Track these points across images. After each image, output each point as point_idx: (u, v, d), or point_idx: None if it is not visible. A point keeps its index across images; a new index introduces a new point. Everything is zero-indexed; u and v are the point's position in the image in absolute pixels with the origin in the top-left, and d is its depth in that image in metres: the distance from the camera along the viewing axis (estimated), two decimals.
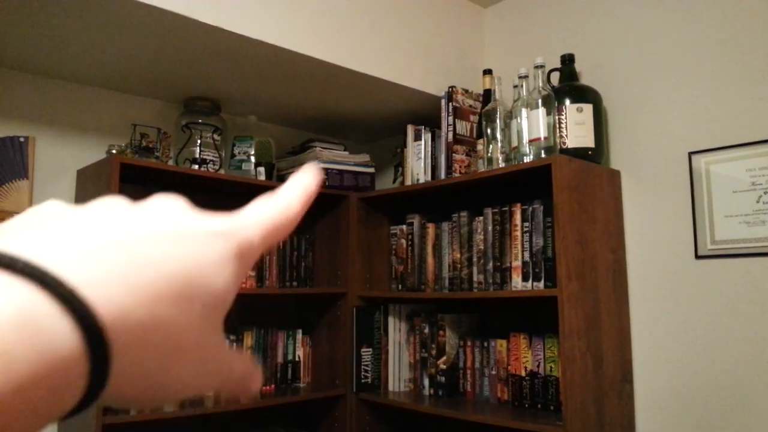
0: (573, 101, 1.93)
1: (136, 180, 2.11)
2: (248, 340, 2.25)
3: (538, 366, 1.92)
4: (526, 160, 1.90)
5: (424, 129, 2.31)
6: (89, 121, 2.17)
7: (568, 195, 1.74)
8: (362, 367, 2.29)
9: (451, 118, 2.22)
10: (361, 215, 2.42)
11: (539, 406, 1.90)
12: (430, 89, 2.26)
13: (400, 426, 2.38)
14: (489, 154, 2.05)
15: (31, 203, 2.00)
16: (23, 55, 1.91)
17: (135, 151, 2.11)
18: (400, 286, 2.34)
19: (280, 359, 2.32)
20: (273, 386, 2.28)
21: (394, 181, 2.64)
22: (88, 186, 2.02)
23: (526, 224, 1.92)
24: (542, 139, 1.88)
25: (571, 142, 1.91)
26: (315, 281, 2.47)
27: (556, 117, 1.92)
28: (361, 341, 2.31)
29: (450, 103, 2.22)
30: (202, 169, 2.14)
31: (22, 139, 2.02)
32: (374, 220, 2.46)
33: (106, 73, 2.06)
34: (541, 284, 1.85)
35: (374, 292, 2.37)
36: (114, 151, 2.02)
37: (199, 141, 2.18)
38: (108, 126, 2.21)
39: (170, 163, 2.19)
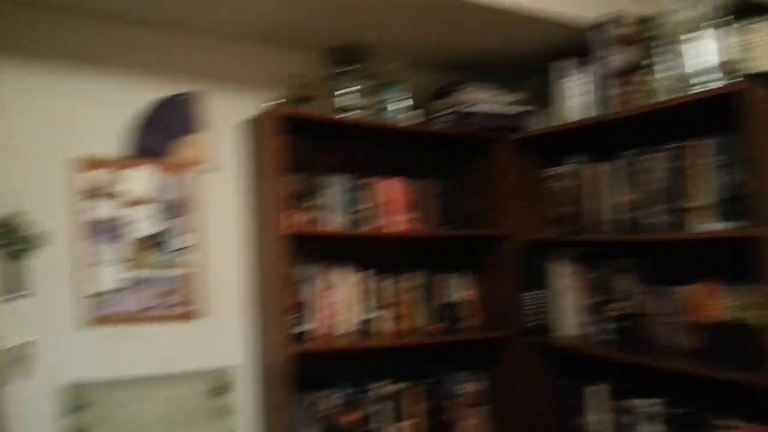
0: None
1: (293, 131, 2.23)
2: (414, 281, 2.32)
3: (730, 313, 1.75)
4: (701, 89, 1.68)
5: (578, 62, 2.14)
6: (251, 75, 2.30)
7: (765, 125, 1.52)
8: (528, 310, 2.26)
9: (607, 49, 2.03)
10: (516, 157, 2.34)
11: (731, 356, 1.74)
12: (581, 18, 2.08)
13: (568, 370, 2.34)
14: (655, 85, 1.84)
15: (202, 157, 2.20)
16: (187, 14, 2.05)
17: (293, 102, 2.21)
18: (562, 229, 2.25)
19: (446, 300, 2.37)
20: (441, 326, 2.35)
21: (545, 121, 2.51)
22: (253, 138, 2.16)
23: (710, 160, 1.72)
24: (721, 63, 1.65)
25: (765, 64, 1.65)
26: (474, 224, 2.46)
27: (741, 37, 1.66)
28: (526, 285, 2.27)
29: (606, 32, 2.02)
30: (352, 116, 2.18)
31: (191, 96, 2.20)
32: (529, 162, 2.37)
33: (262, 27, 2.15)
34: (732, 224, 1.66)
35: (537, 234, 2.31)
36: (274, 103, 2.13)
37: (348, 89, 2.23)
38: (269, 78, 2.33)
39: (325, 112, 2.27)
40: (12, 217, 1.92)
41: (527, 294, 2.27)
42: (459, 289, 2.41)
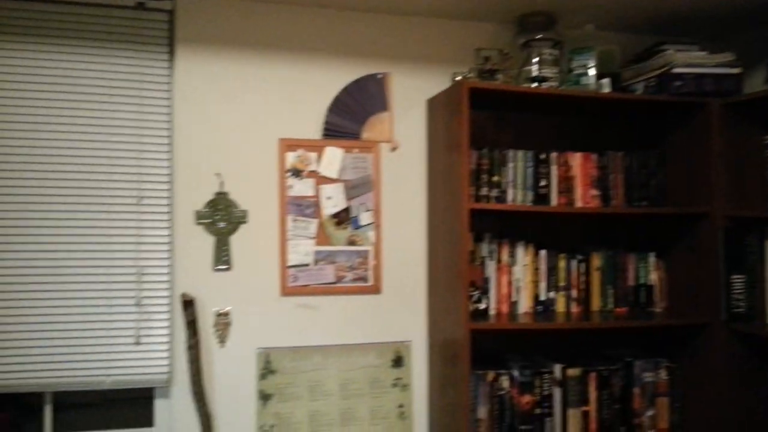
0: None
1: (477, 105, 2.16)
2: (596, 261, 2.18)
3: None
4: None
5: None
6: (434, 52, 2.27)
7: None
8: (733, 295, 2.03)
9: None
10: (725, 124, 2.07)
11: None
12: None
13: None
14: None
15: (392, 133, 2.22)
16: None
17: (479, 76, 2.14)
18: None
19: (631, 282, 2.21)
20: (625, 308, 2.20)
21: (766, 82, 2.19)
22: (437, 114, 2.13)
23: None
24: None
25: None
26: (667, 200, 2.25)
27: None
28: (731, 266, 2.03)
29: None
30: (543, 86, 2.06)
31: (380, 76, 2.23)
32: (742, 129, 2.09)
33: (444, 2, 2.10)
34: None
35: (747, 211, 2.05)
36: (460, 78, 2.08)
37: (537, 58, 2.10)
38: (451, 54, 2.28)
39: (512, 84, 2.17)
40: (220, 196, 2.09)
41: (734, 277, 2.03)
42: (647, 271, 2.23)
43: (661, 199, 2.24)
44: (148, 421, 2.10)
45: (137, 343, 2.01)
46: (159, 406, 2.11)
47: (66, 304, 1.96)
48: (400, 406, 2.23)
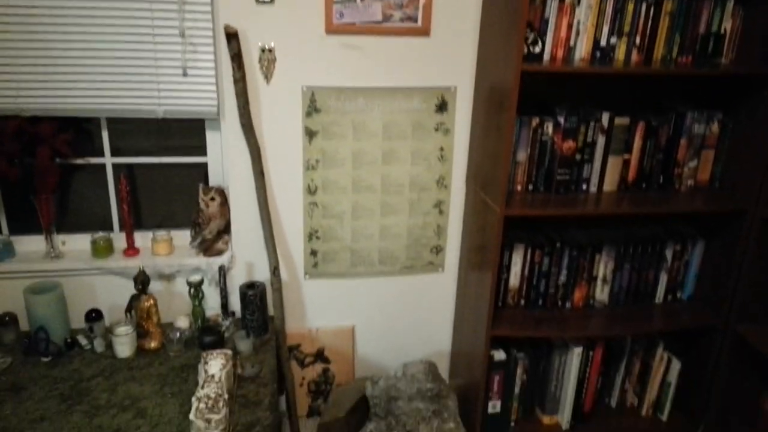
0: None
1: None
2: (668, 5, 1.99)
3: None
4: None
5: None
6: None
7: None
8: None
9: None
10: None
11: None
12: None
13: None
14: None
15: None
16: None
17: None
18: None
19: (702, 29, 2.04)
20: (690, 58, 2.06)
21: None
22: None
23: None
24: None
25: None
26: None
27: None
28: None
29: None
30: None
31: None
32: None
33: None
34: None
35: None
36: None
37: None
38: None
39: None
40: None
41: None
42: (722, 17, 2.03)
43: None
44: (202, 152, 2.22)
45: (185, 75, 2.01)
46: (210, 137, 2.20)
47: (113, 32, 1.93)
48: (441, 149, 2.28)
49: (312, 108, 2.13)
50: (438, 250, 2.40)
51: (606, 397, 2.47)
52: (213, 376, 1.73)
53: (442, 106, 2.22)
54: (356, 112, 2.16)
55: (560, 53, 1.97)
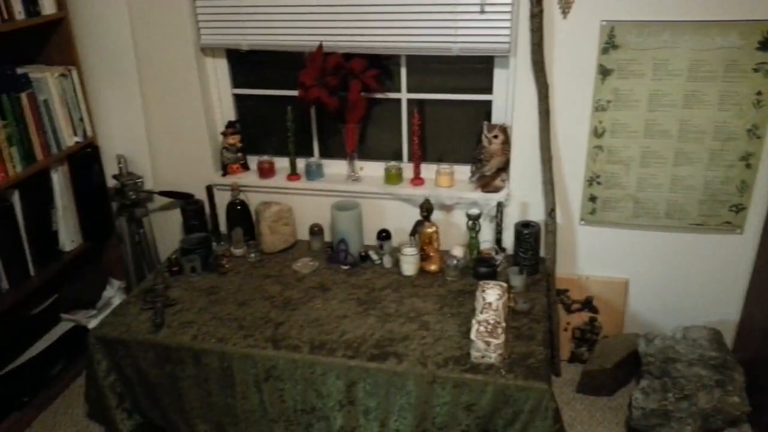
0: None
1: None
2: None
3: None
4: None
5: None
6: None
7: None
8: None
9: None
10: None
11: None
12: None
13: None
14: None
15: None
16: None
17: None
18: None
19: None
20: None
21: None
22: None
23: None
24: None
25: None
26: None
27: None
28: None
29: None
30: None
31: None
32: None
33: None
34: None
35: None
36: None
37: None
38: None
39: None
40: None
41: None
42: None
43: None
44: (488, 90, 2.26)
45: (482, 11, 2.05)
46: (498, 75, 2.22)
47: None
48: (759, 93, 1.97)
49: (609, 44, 2.00)
50: (739, 208, 2.12)
51: None
52: (490, 303, 1.82)
53: (766, 43, 1.90)
54: (659, 49, 1.97)
55: None
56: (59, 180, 2.31)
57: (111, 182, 2.50)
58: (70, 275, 2.53)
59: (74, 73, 2.32)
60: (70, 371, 2.43)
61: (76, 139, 2.35)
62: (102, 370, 1.97)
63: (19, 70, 2.17)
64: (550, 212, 2.17)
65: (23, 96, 2.12)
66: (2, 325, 2.26)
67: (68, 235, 2.38)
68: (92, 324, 2.48)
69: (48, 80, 2.21)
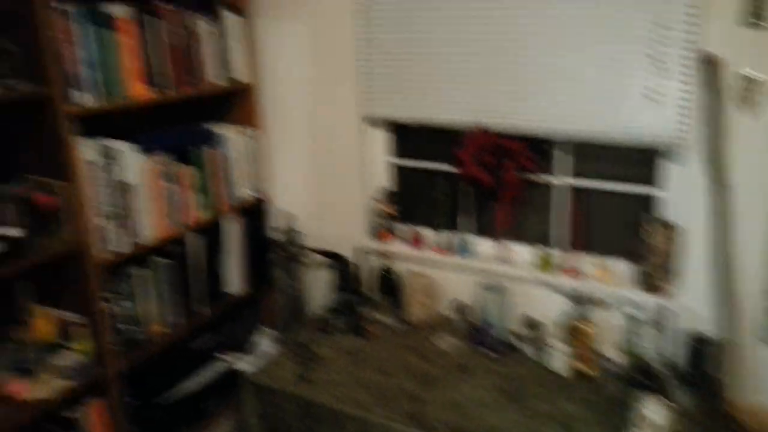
0: None
1: None
2: None
3: None
4: None
5: None
6: None
7: None
8: None
9: None
10: None
11: None
12: None
13: None
14: None
15: None
16: None
17: None
18: None
19: None
20: None
21: None
22: None
23: None
24: None
25: None
26: None
27: None
28: None
29: None
30: None
31: None
32: None
33: None
34: None
35: None
36: None
37: None
38: None
39: None
40: None
41: None
42: None
43: None
44: (646, 181, 2.14)
45: (650, 101, 1.95)
46: (664, 168, 2.09)
47: (580, 58, 2.02)
48: None
49: None
50: None
51: None
52: (653, 422, 1.67)
53: None
54: None
55: None
56: (232, 229, 2.52)
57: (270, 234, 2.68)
58: (229, 318, 2.71)
59: (257, 134, 2.56)
60: (220, 408, 2.57)
61: (251, 193, 2.57)
62: (250, 414, 2.10)
63: (211, 128, 2.43)
64: (728, 327, 1.96)
65: (213, 151, 2.37)
66: (167, 355, 2.45)
67: (233, 281, 2.57)
68: (241, 366, 2.62)
69: (234, 138, 2.45)
